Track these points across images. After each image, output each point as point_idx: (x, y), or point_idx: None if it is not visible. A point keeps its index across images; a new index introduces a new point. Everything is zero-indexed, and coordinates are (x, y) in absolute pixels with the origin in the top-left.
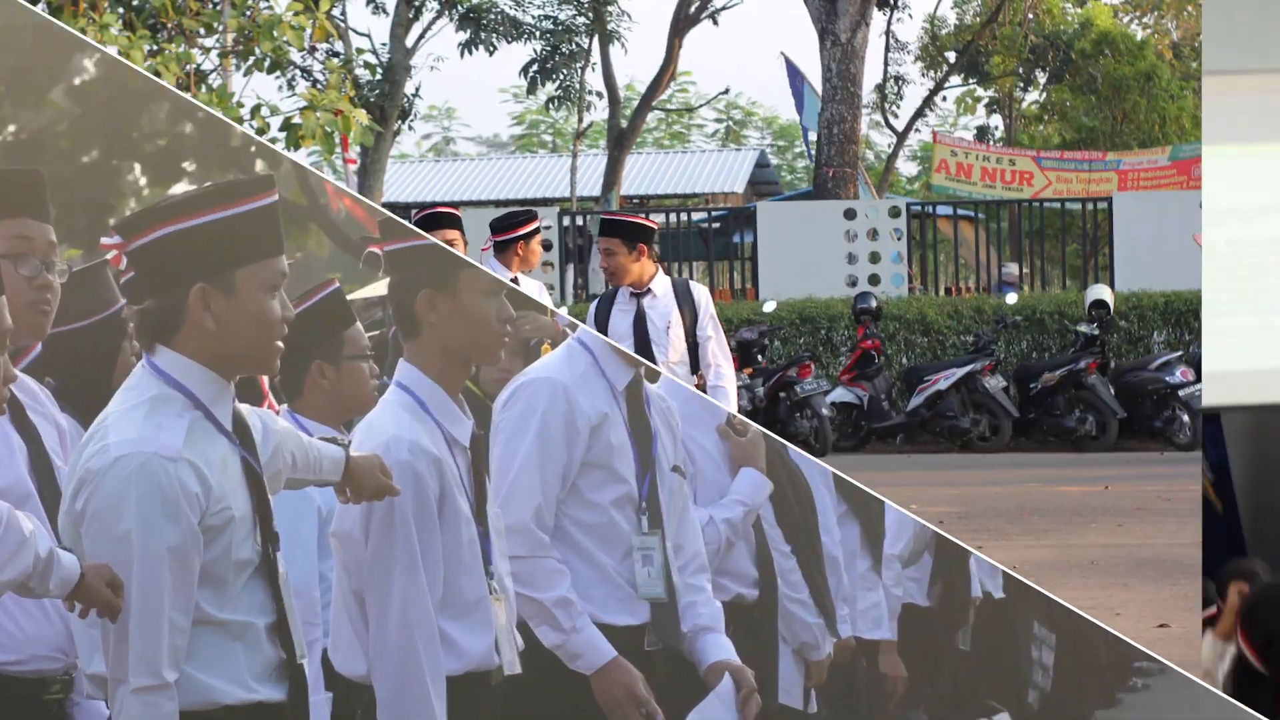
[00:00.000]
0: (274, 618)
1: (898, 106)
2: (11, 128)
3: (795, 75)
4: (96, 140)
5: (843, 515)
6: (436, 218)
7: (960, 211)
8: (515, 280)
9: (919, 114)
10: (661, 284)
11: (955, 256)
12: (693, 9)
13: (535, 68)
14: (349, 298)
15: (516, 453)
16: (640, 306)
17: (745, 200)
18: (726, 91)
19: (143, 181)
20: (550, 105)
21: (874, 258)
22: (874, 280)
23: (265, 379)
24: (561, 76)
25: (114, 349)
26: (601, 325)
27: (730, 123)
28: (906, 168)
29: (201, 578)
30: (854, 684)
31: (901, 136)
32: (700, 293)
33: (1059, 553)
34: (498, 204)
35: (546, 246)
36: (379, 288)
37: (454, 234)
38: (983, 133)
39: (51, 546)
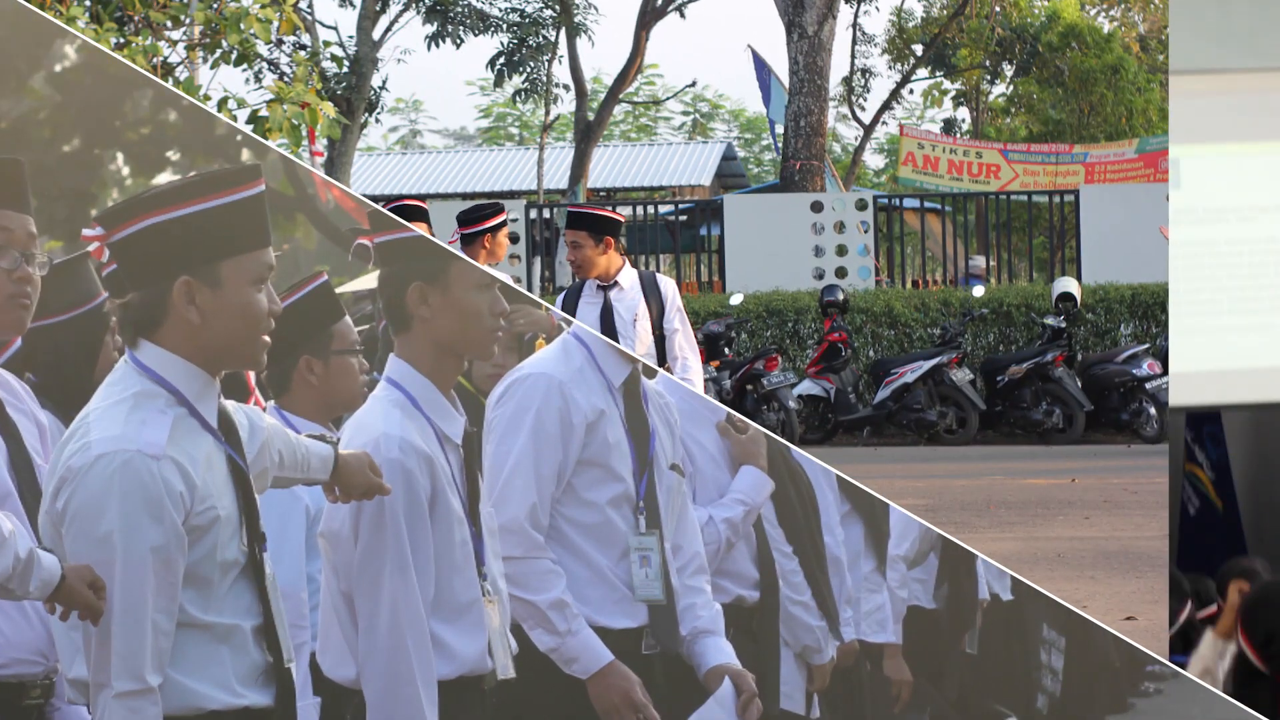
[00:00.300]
0: (260, 620)
1: (864, 99)
2: None
3: (762, 68)
4: (78, 129)
5: (846, 515)
6: (404, 210)
7: (927, 204)
8: None
9: (886, 107)
10: (628, 277)
11: (922, 249)
12: (659, 1)
13: (502, 60)
14: (338, 291)
15: (510, 450)
16: (607, 299)
17: (712, 193)
18: (693, 84)
19: (125, 171)
20: (517, 98)
21: (841, 250)
22: (841, 273)
23: (251, 374)
24: (528, 69)
25: (96, 343)
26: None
27: (697, 115)
28: (873, 160)
29: (186, 579)
30: (857, 688)
31: (868, 129)
32: (667, 285)
33: (1025, 545)
34: (465, 197)
35: (514, 239)
36: (369, 281)
37: (421, 227)
38: (949, 125)
39: (31, 547)
